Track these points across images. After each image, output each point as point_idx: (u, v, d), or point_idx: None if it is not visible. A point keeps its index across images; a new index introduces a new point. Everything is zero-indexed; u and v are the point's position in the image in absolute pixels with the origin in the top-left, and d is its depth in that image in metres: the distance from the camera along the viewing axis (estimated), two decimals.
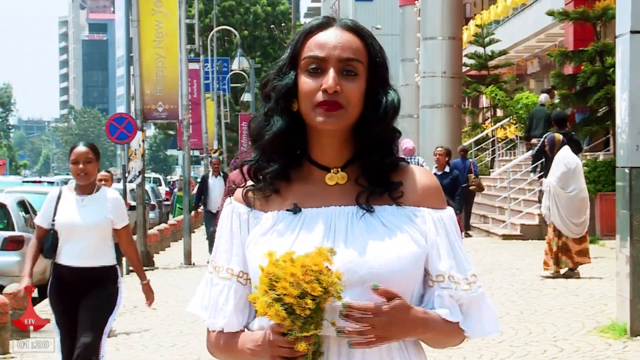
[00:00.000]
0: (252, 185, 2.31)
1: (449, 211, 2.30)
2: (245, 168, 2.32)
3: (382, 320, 2.12)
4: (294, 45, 2.27)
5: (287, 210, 2.25)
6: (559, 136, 12.87)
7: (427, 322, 2.20)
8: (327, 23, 2.27)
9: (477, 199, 21.33)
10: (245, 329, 2.29)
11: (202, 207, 18.67)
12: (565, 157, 12.32)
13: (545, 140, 13.03)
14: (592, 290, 11.18)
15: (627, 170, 8.53)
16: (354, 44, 2.24)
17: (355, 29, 2.27)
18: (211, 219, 17.80)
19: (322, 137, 2.25)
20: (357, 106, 2.22)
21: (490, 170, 25.68)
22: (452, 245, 2.26)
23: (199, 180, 21.35)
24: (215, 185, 18.02)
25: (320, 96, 2.19)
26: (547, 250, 12.31)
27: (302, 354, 2.09)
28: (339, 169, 2.28)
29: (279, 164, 2.27)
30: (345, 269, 2.14)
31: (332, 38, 2.24)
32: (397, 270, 2.17)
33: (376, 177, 2.26)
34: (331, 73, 2.20)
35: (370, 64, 2.25)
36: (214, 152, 38.63)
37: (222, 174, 18.48)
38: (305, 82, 2.22)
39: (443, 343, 2.29)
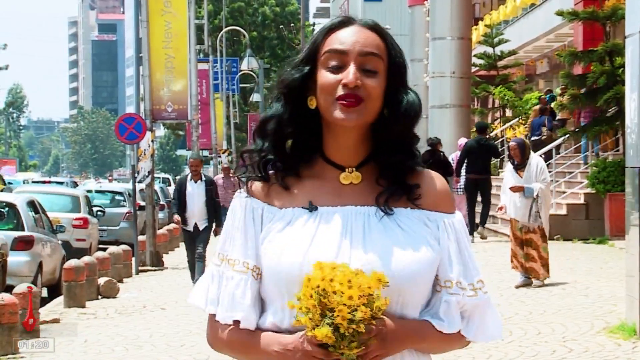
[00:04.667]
0: (261, 178, 2.28)
1: (459, 216, 2.31)
2: (250, 158, 2.29)
3: (379, 339, 2.11)
4: (314, 41, 2.26)
5: (303, 207, 2.23)
6: (527, 141, 12.37)
7: (419, 332, 2.20)
8: (348, 21, 2.27)
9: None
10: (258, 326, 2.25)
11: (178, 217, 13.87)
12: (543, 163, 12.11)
13: (515, 144, 11.67)
14: (601, 291, 11.15)
15: (636, 171, 8.52)
16: (375, 41, 2.24)
17: (375, 28, 2.27)
18: (192, 243, 13.71)
19: (339, 135, 2.24)
20: (377, 102, 2.21)
21: (500, 170, 25.64)
22: (461, 251, 2.27)
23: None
24: (195, 193, 13.59)
25: (340, 90, 2.18)
26: (537, 257, 11.51)
27: None
28: (354, 169, 2.26)
29: (288, 159, 2.26)
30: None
31: (353, 34, 2.23)
32: (415, 274, 2.17)
33: (397, 178, 2.24)
34: (352, 68, 2.19)
35: (390, 62, 2.25)
36: (223, 153, 38.70)
37: (203, 178, 13.78)
38: (325, 76, 2.20)
39: (443, 350, 2.30)
